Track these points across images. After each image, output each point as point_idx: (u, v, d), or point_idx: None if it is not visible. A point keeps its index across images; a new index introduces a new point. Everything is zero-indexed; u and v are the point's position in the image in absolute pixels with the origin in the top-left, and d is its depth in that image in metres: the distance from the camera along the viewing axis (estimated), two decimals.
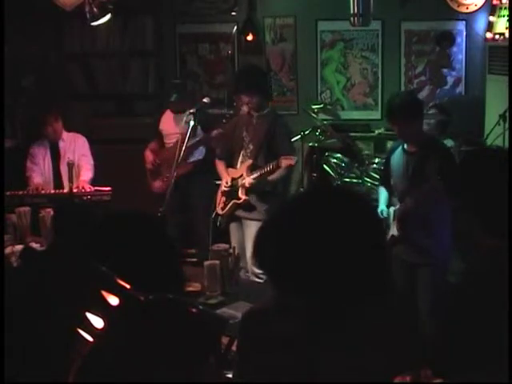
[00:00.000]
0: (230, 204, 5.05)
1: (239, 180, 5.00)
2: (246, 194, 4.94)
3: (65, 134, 5.70)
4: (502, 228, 2.21)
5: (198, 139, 5.64)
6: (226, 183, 5.05)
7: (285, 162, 4.64)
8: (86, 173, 5.60)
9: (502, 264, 2.14)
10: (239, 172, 5.04)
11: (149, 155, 5.92)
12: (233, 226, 5.15)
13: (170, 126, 5.82)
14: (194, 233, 5.97)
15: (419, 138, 4.20)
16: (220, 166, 5.22)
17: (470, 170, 2.40)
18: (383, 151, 6.42)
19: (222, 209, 5.13)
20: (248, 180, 4.86)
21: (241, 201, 4.97)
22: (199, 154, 5.80)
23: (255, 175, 4.84)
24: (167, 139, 5.86)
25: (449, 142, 5.50)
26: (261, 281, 4.39)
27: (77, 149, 5.68)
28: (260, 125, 4.98)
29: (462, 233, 2.42)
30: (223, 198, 5.12)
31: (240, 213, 5.03)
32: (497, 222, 2.23)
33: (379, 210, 4.37)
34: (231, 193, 5.04)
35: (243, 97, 5.00)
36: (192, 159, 5.66)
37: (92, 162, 5.72)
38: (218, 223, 5.25)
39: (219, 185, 5.72)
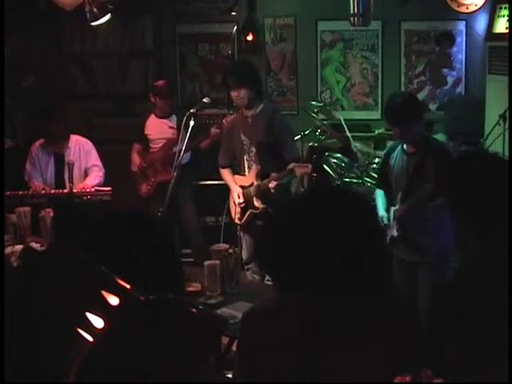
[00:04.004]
0: (248, 214, 4.96)
1: (251, 189, 4.91)
2: (262, 202, 4.84)
3: (69, 140, 5.49)
4: (492, 229, 2.22)
5: (187, 144, 5.64)
6: (239, 198, 4.92)
7: (299, 170, 4.50)
8: (92, 179, 5.47)
9: (493, 265, 2.14)
10: (248, 180, 4.94)
11: (136, 158, 5.92)
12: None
13: (156, 131, 5.83)
14: (185, 234, 5.98)
15: (418, 139, 4.20)
16: (226, 176, 5.09)
17: (460, 173, 2.41)
18: (383, 151, 6.42)
19: (240, 219, 5.02)
20: (271, 185, 4.68)
21: (258, 210, 4.87)
22: (185, 158, 5.80)
23: (274, 184, 4.65)
24: (152, 144, 5.87)
25: (440, 137, 5.51)
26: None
27: (83, 156, 5.52)
28: (256, 125, 4.86)
29: (455, 233, 2.44)
30: (238, 209, 5.00)
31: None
32: (487, 223, 2.24)
33: (379, 216, 4.34)
34: (246, 203, 4.96)
35: (232, 92, 4.85)
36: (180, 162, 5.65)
37: (103, 170, 5.58)
38: (239, 232, 5.15)
39: (204, 185, 5.72)
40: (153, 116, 5.89)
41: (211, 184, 6.17)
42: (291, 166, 4.62)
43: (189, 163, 5.83)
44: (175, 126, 5.66)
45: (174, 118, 5.75)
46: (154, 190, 5.76)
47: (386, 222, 4.29)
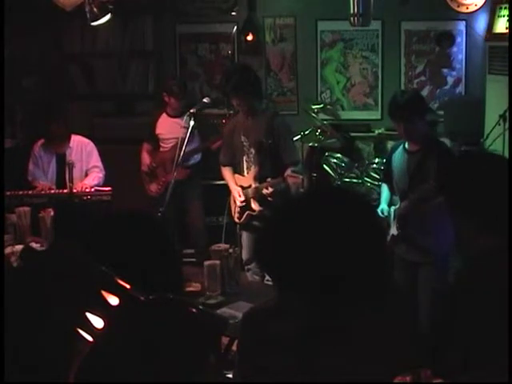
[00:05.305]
0: (245, 215, 4.98)
1: (249, 190, 4.91)
2: (260, 205, 4.84)
3: (71, 141, 5.52)
4: (493, 227, 2.22)
5: (196, 147, 5.65)
6: (240, 196, 4.93)
7: (291, 180, 4.52)
8: (91, 179, 5.51)
9: (494, 264, 2.15)
10: (247, 181, 4.95)
11: (146, 158, 5.92)
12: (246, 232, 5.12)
13: (168, 130, 5.81)
14: (190, 234, 5.98)
15: (422, 137, 4.20)
16: (227, 174, 5.09)
17: (460, 173, 2.41)
18: (383, 151, 6.44)
19: (239, 218, 5.06)
20: (267, 191, 4.70)
21: (255, 212, 4.88)
22: (196, 158, 5.81)
23: (271, 189, 4.68)
24: (164, 143, 5.86)
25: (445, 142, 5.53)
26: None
27: (85, 157, 5.55)
28: (256, 126, 4.85)
29: (456, 232, 2.44)
30: (237, 208, 5.02)
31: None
32: (488, 221, 2.24)
33: (380, 209, 4.38)
34: (244, 204, 4.97)
35: (232, 100, 4.92)
36: (190, 163, 5.67)
37: (104, 172, 5.62)
38: (238, 230, 5.23)
39: (217, 185, 5.71)
40: (164, 115, 5.88)
41: (214, 184, 6.17)
42: (286, 173, 4.63)
43: (198, 163, 5.83)
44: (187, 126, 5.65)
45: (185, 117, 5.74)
46: (164, 189, 5.74)
47: (385, 214, 4.31)
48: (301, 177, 4.57)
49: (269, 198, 4.74)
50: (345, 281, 1.71)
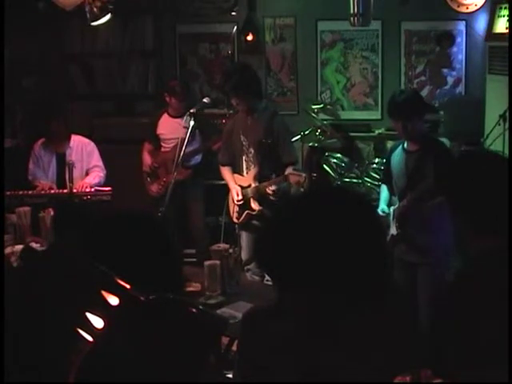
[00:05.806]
0: (244, 214, 4.98)
1: (249, 190, 4.91)
2: (259, 204, 4.85)
3: (72, 141, 5.55)
4: (493, 227, 2.22)
5: (197, 147, 5.64)
6: (238, 196, 4.93)
7: (293, 179, 4.51)
8: (92, 178, 5.52)
9: (494, 264, 2.15)
10: (247, 181, 4.95)
11: (147, 158, 5.91)
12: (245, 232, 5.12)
13: (169, 130, 5.80)
14: (190, 234, 5.98)
15: (420, 137, 4.21)
16: (226, 173, 5.09)
17: (460, 173, 2.41)
18: (383, 151, 6.44)
19: (237, 218, 5.06)
20: (269, 190, 4.71)
21: (255, 212, 4.89)
22: (196, 159, 5.81)
23: (273, 188, 4.69)
24: (165, 143, 5.85)
25: (444, 142, 5.53)
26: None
27: (85, 157, 5.56)
28: (255, 126, 4.86)
29: (456, 232, 2.44)
30: (236, 208, 5.02)
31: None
32: (488, 221, 2.24)
33: (379, 209, 4.38)
34: (243, 203, 4.96)
35: (231, 100, 4.93)
36: (191, 163, 5.67)
37: (105, 171, 5.63)
38: (237, 230, 5.25)
39: (218, 185, 5.71)
40: (166, 115, 5.87)
41: (215, 184, 6.16)
42: (287, 172, 4.63)
43: (199, 164, 5.83)
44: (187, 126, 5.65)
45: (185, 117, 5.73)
46: (165, 189, 5.72)
47: (386, 211, 4.33)
48: (303, 175, 4.54)
49: (270, 197, 4.74)
50: (345, 281, 1.71)
